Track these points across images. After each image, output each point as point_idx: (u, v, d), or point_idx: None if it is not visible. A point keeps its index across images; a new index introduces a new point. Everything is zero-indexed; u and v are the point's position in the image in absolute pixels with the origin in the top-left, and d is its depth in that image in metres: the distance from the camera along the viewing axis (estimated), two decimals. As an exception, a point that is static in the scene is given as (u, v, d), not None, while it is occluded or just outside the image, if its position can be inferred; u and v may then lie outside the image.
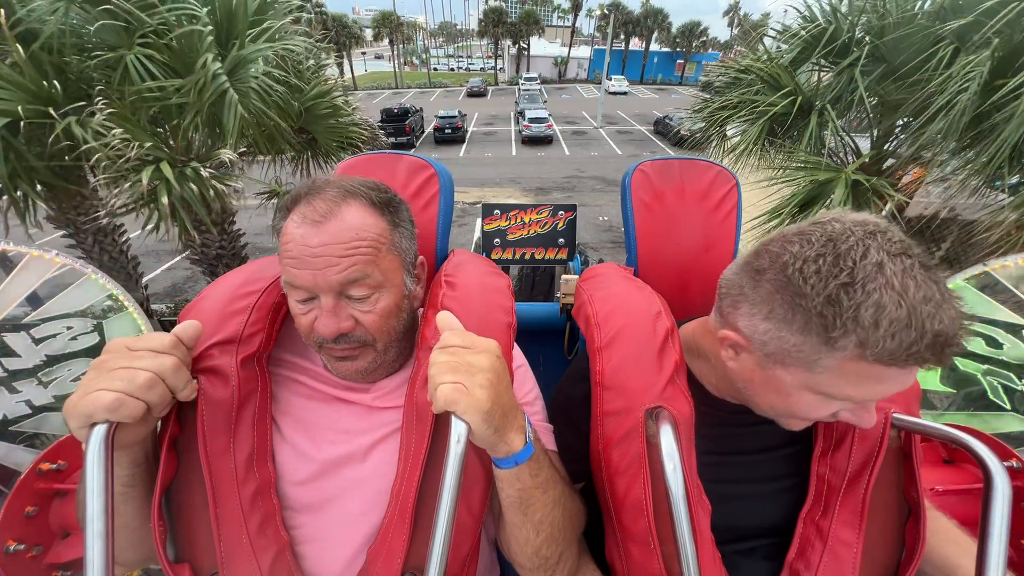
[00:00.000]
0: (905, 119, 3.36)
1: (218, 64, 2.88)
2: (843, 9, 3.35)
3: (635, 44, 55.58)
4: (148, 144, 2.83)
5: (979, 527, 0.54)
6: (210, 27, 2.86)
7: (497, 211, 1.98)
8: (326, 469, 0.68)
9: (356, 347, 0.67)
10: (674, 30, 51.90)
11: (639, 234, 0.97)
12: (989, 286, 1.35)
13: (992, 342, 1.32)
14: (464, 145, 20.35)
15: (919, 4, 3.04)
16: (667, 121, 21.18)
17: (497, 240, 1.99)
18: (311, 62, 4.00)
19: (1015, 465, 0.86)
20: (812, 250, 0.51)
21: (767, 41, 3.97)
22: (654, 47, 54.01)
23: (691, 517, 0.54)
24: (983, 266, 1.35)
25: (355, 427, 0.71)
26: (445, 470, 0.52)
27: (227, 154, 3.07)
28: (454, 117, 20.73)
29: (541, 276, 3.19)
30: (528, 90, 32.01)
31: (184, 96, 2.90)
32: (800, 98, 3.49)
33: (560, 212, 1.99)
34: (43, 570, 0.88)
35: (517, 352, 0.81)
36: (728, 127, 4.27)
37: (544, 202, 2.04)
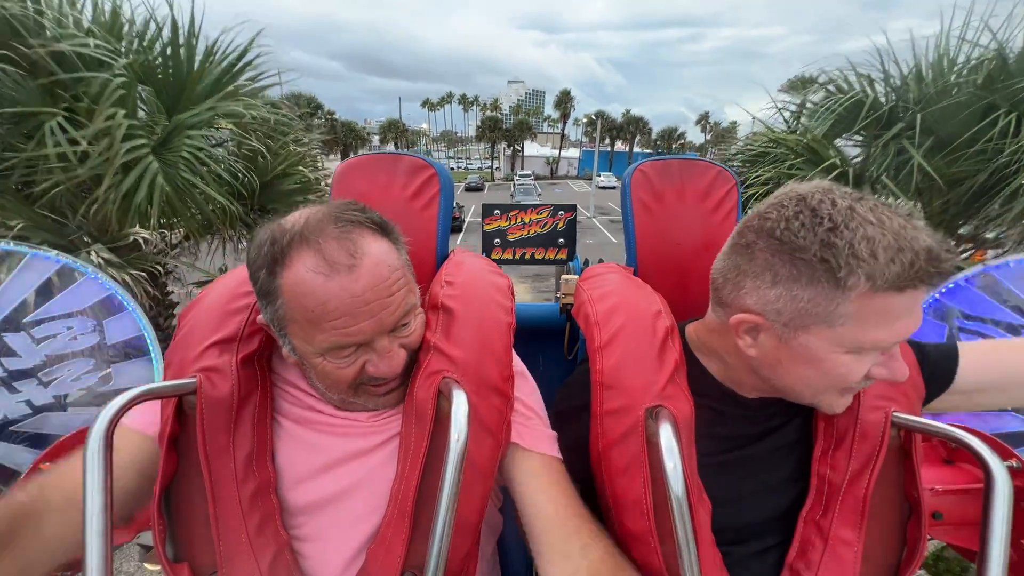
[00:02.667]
0: (966, 194, 2.99)
1: (127, 122, 2.34)
2: (879, 87, 3.22)
3: (619, 147, 63.09)
4: (17, 224, 2.38)
5: (979, 527, 0.54)
6: (122, 78, 2.33)
7: (497, 211, 1.98)
8: (326, 469, 0.68)
9: (401, 375, 0.66)
10: (654, 134, 60.07)
11: (639, 234, 0.97)
12: (989, 286, 1.35)
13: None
14: (461, 234, 21.34)
15: (956, 75, 2.90)
16: None
17: (497, 240, 2.00)
18: (288, 137, 3.51)
19: (1015, 465, 0.86)
20: (789, 211, 0.55)
21: (785, 115, 3.81)
22: (637, 149, 61.07)
23: (691, 516, 0.54)
24: (983, 266, 1.35)
25: (355, 427, 0.71)
26: (445, 470, 0.52)
27: (139, 234, 2.59)
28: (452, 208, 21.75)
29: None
30: (523, 184, 34.36)
31: (98, 168, 2.37)
32: (846, 171, 3.20)
33: (560, 212, 1.99)
34: (43, 570, 0.88)
35: (516, 359, 0.79)
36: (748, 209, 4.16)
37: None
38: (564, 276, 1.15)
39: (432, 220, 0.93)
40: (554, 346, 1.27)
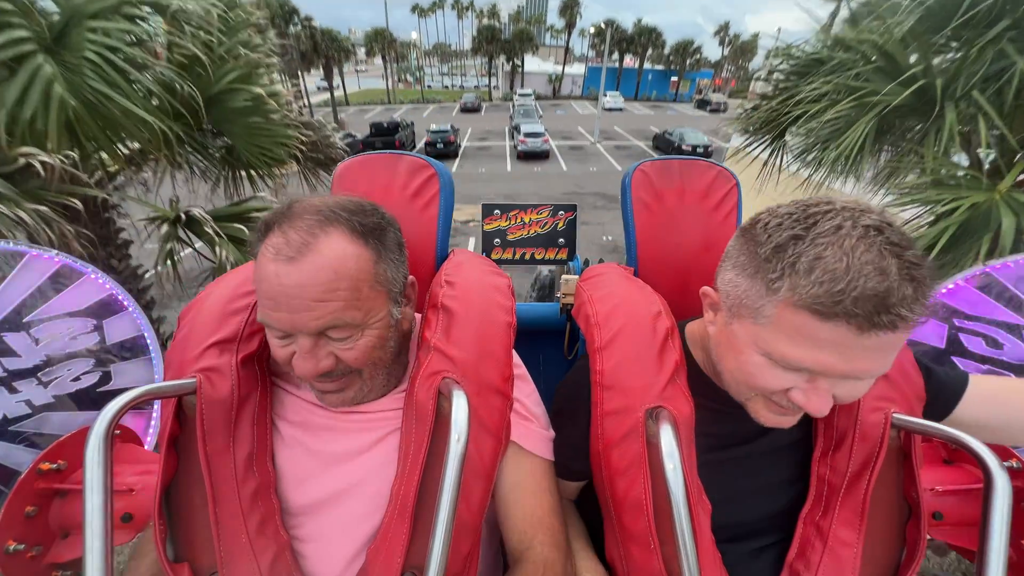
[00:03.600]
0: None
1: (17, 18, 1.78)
2: None
3: (628, 63, 56.12)
4: None
5: (979, 527, 0.54)
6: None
7: (497, 211, 1.98)
8: (326, 469, 0.68)
9: (340, 379, 0.65)
10: (668, 48, 52.75)
11: (639, 234, 0.97)
12: (989, 286, 1.34)
13: (992, 342, 1.32)
14: (457, 160, 19.73)
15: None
16: (667, 136, 20.83)
17: (497, 240, 2.00)
18: (235, 39, 2.74)
19: (1015, 465, 0.86)
20: (785, 209, 0.55)
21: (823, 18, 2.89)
22: (647, 65, 54.80)
23: (691, 517, 0.54)
24: (983, 266, 1.35)
25: (355, 427, 0.71)
26: (445, 469, 0.52)
27: (34, 156, 2.02)
28: (446, 131, 20.09)
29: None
30: (523, 105, 31.75)
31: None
32: (931, 83, 2.36)
33: (560, 212, 1.99)
34: (43, 570, 0.88)
35: (516, 360, 0.79)
36: (790, 133, 3.21)
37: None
38: (564, 276, 1.15)
39: (432, 220, 0.93)
40: (554, 346, 1.27)
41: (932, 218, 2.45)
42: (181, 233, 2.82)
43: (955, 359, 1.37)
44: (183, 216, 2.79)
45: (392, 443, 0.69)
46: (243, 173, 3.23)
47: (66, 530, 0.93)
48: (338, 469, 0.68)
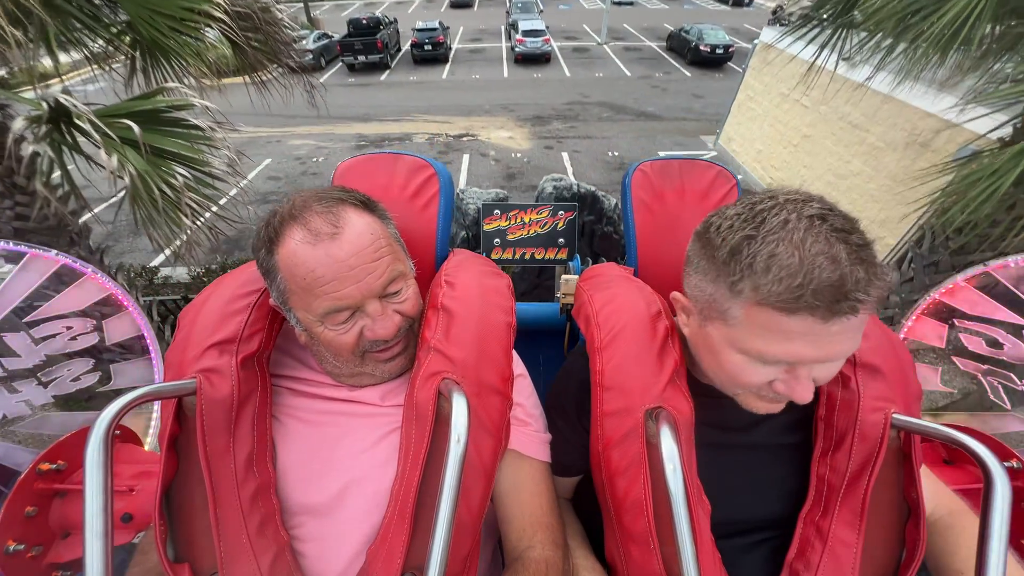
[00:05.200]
0: None
1: None
2: None
3: None
4: None
5: (979, 527, 0.54)
6: None
7: (497, 211, 1.98)
8: (326, 469, 0.68)
9: (402, 341, 0.70)
10: None
11: (639, 234, 0.97)
12: (989, 286, 1.35)
13: (992, 342, 1.32)
14: (447, 65, 17.31)
15: None
16: (682, 35, 17.41)
17: (497, 240, 2.00)
18: None
19: (1015, 465, 0.86)
20: (735, 210, 0.56)
21: None
22: None
23: (691, 517, 0.54)
24: (983, 266, 1.35)
25: (355, 427, 0.71)
26: (445, 470, 0.52)
27: None
28: (435, 30, 17.39)
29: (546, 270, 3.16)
30: None
31: None
32: None
33: (560, 212, 2.00)
34: (43, 570, 0.88)
35: (517, 360, 0.80)
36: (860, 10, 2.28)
37: (543, 203, 2.05)
38: (564, 276, 1.15)
39: (432, 220, 0.93)
40: (554, 346, 1.27)
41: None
42: (66, 136, 2.03)
43: (955, 359, 1.38)
44: (67, 107, 1.95)
45: (392, 442, 0.69)
46: (153, 60, 2.39)
47: (66, 530, 0.93)
48: (338, 469, 0.68)
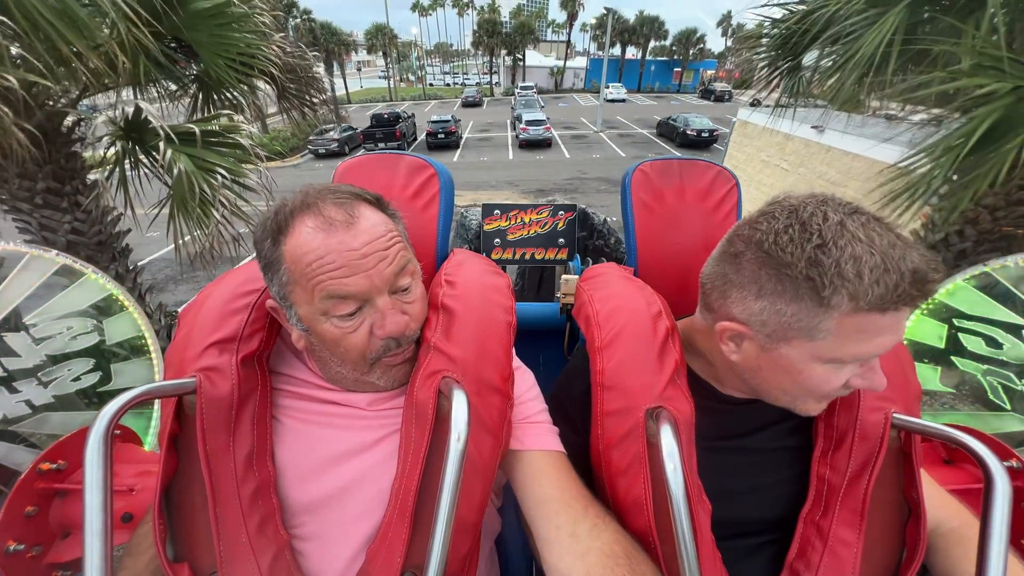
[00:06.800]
0: None
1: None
2: None
3: (631, 54, 55.42)
4: None
5: (979, 527, 0.54)
6: None
7: (497, 211, 1.98)
8: (326, 468, 0.68)
9: (409, 345, 0.68)
10: (670, 38, 51.80)
11: (639, 234, 0.97)
12: (989, 286, 1.35)
13: (992, 342, 1.32)
14: (458, 151, 19.68)
15: None
16: (671, 122, 20.60)
17: (497, 240, 2.00)
18: None
19: (1015, 465, 0.86)
20: (779, 223, 0.54)
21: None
22: (650, 56, 53.75)
23: (691, 517, 0.54)
24: (983, 266, 1.35)
25: (355, 426, 0.71)
26: (445, 469, 0.52)
27: None
28: (447, 122, 20.00)
29: (548, 273, 3.15)
30: (525, 96, 31.68)
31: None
32: None
33: (560, 212, 1.99)
34: (43, 570, 0.88)
35: (514, 357, 0.80)
36: (808, 54, 2.95)
37: (545, 202, 2.05)
38: (564, 276, 1.15)
39: (432, 220, 0.93)
40: (554, 346, 1.27)
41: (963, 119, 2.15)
42: (133, 155, 2.56)
43: (955, 359, 1.38)
44: (140, 122, 2.47)
45: (392, 442, 0.69)
46: (215, 96, 2.93)
47: (66, 530, 0.93)
48: (339, 468, 0.68)
